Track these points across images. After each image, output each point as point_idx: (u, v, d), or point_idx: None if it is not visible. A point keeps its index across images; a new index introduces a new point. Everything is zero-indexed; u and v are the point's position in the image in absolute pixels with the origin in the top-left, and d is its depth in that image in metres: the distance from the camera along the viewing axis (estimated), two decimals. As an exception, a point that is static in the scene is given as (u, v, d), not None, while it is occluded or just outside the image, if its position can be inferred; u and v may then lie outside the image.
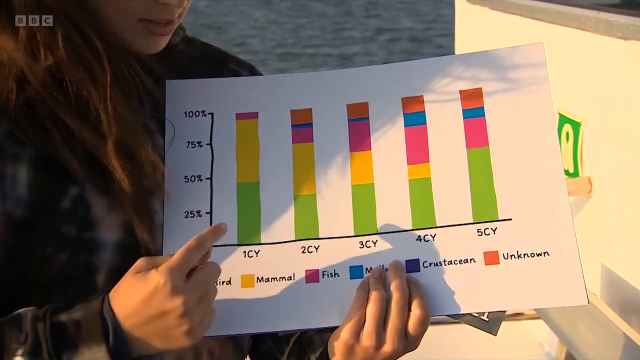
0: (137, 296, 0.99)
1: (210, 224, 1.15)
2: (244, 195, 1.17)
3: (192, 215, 1.15)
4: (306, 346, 1.20)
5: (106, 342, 0.99)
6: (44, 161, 1.06)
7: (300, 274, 1.14)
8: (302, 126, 1.20)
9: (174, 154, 1.17)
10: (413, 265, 1.13)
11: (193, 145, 1.19)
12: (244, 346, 1.24)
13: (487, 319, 1.12)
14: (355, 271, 1.13)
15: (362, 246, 1.15)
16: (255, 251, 1.15)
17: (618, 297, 2.23)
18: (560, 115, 2.46)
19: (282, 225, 1.16)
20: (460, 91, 1.20)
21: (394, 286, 1.09)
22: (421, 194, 1.16)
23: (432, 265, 1.13)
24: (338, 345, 1.10)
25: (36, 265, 1.06)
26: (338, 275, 1.13)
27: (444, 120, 1.19)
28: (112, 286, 1.05)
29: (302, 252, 1.14)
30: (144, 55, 1.13)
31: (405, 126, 1.19)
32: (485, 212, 1.14)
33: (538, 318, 2.69)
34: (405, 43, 15.14)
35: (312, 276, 1.14)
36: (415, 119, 1.19)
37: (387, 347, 1.08)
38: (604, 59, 2.30)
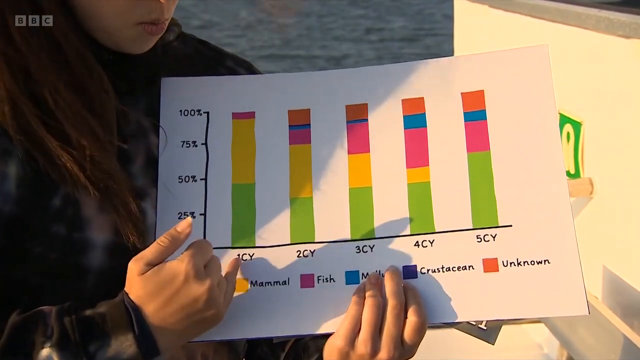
0: (164, 290, 1.01)
1: (205, 225, 1.15)
2: (239, 196, 1.16)
3: (186, 216, 1.15)
4: (301, 352, 1.20)
5: (132, 331, 1.01)
6: (34, 159, 1.06)
7: (295, 279, 1.13)
8: (300, 127, 1.20)
9: (168, 153, 1.17)
10: (410, 272, 1.12)
11: (188, 145, 1.19)
12: (240, 351, 1.23)
13: (485, 328, 1.11)
14: (351, 276, 1.13)
15: (358, 251, 1.14)
16: (249, 254, 1.14)
17: (619, 300, 2.23)
18: (561, 115, 2.46)
19: (278, 229, 1.15)
20: (462, 93, 1.19)
21: (389, 293, 1.09)
22: (420, 199, 1.15)
23: (430, 271, 1.12)
24: (333, 352, 1.09)
25: (24, 265, 1.05)
26: (334, 281, 1.13)
27: (445, 123, 1.18)
28: (102, 288, 1.06)
29: (298, 256, 1.14)
30: (137, 55, 1.13)
31: (405, 128, 1.18)
32: (485, 218, 1.14)
33: (539, 321, 2.69)
34: (396, 43, 15.13)
35: (307, 281, 1.13)
36: (415, 122, 1.18)
37: (383, 355, 1.07)
38: (605, 58, 2.29)
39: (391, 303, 1.08)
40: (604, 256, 2.29)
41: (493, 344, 1.11)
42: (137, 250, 1.08)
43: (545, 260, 1.11)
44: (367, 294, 1.09)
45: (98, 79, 1.09)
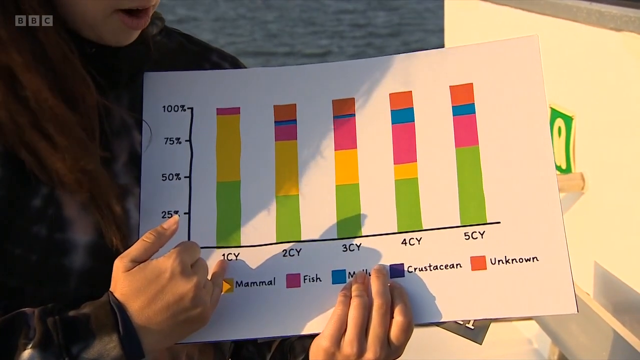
0: (150, 286, 1.01)
1: (189, 225, 1.14)
2: (224, 195, 1.16)
3: (170, 215, 1.14)
4: (287, 353, 1.20)
5: (117, 332, 1.00)
6: (14, 158, 1.05)
7: (281, 279, 1.13)
8: (286, 123, 1.19)
9: (151, 150, 1.16)
10: (397, 270, 1.12)
11: (171, 142, 1.18)
12: (226, 351, 1.23)
13: (472, 327, 1.11)
14: (338, 276, 1.12)
15: (345, 250, 1.13)
16: (234, 254, 1.13)
17: (611, 297, 2.23)
18: (552, 109, 2.46)
19: (263, 227, 1.14)
20: (450, 87, 1.18)
21: (375, 292, 1.09)
22: (407, 196, 1.15)
23: (417, 270, 1.12)
24: (319, 353, 1.09)
25: (4, 267, 1.05)
26: (320, 280, 1.12)
27: (433, 118, 1.17)
28: (84, 291, 1.06)
29: (284, 256, 1.13)
30: (120, 49, 1.12)
31: (392, 123, 1.18)
32: (473, 215, 1.13)
33: (530, 319, 2.69)
34: (379, 38, 15.11)
35: (293, 281, 1.12)
36: (403, 116, 1.18)
37: (369, 355, 1.07)
38: (597, 51, 2.29)
39: (377, 303, 1.08)
40: (595, 252, 2.30)
41: (480, 344, 1.11)
42: (119, 252, 1.07)
43: (533, 258, 1.11)
44: (353, 293, 1.09)
45: (80, 76, 1.08)
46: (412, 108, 1.18)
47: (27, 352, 0.99)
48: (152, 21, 1.16)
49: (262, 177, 1.17)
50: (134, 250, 1.04)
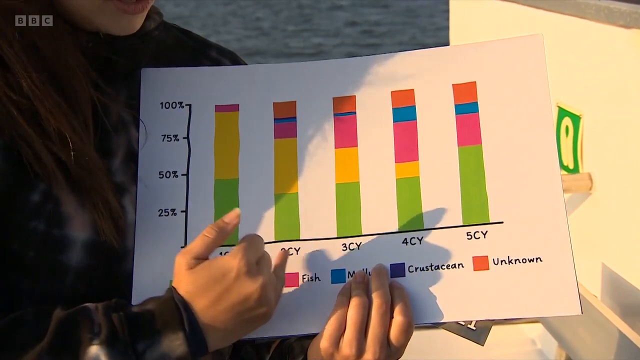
0: (215, 286, 1.02)
1: (186, 223, 1.14)
2: (221, 193, 1.16)
3: (167, 213, 1.14)
4: (286, 354, 1.20)
5: (183, 329, 1.00)
6: (13, 152, 1.05)
7: None
8: (285, 120, 1.19)
9: (148, 147, 1.16)
10: (398, 270, 1.12)
11: (169, 139, 1.18)
12: (224, 352, 1.22)
13: (474, 328, 1.11)
14: (337, 275, 1.12)
15: (345, 249, 1.13)
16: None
17: (619, 299, 2.22)
18: (560, 108, 2.45)
19: (262, 226, 1.14)
20: (453, 85, 1.18)
21: (375, 292, 1.08)
22: (409, 194, 1.15)
23: (418, 270, 1.11)
24: (317, 354, 1.09)
25: (1, 262, 1.04)
26: (319, 280, 1.12)
27: (435, 116, 1.17)
28: (81, 288, 1.06)
29: (284, 251, 1.12)
30: (117, 43, 1.12)
31: (394, 122, 1.18)
32: (475, 215, 1.13)
33: (536, 321, 2.69)
34: (375, 37, 15.09)
35: (292, 280, 1.12)
36: (405, 114, 1.18)
37: (368, 356, 1.07)
38: (605, 49, 2.29)
39: (376, 302, 1.08)
40: (603, 254, 2.29)
41: (482, 345, 1.11)
42: (115, 250, 1.07)
43: (537, 258, 1.10)
44: (352, 293, 1.09)
45: (74, 70, 1.08)
46: (414, 106, 1.18)
47: (94, 348, 0.99)
48: (150, 16, 1.16)
49: (261, 175, 1.17)
50: (196, 246, 1.04)
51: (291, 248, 1.14)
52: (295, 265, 1.13)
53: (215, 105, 1.20)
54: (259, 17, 17.35)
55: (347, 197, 1.15)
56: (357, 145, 1.17)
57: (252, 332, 1.08)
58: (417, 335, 1.11)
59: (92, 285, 1.07)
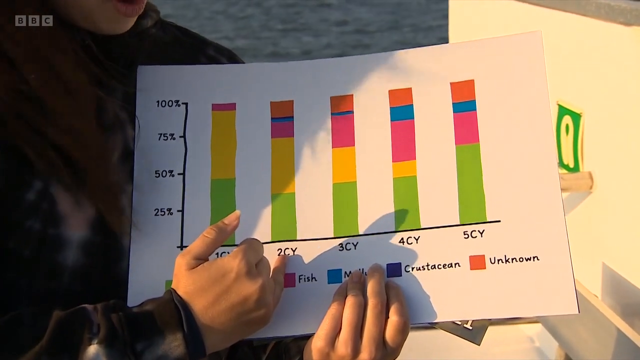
0: (215, 286, 1.02)
1: (182, 222, 1.14)
2: (218, 192, 1.16)
3: (163, 213, 1.14)
4: (282, 354, 1.20)
5: (182, 330, 1.01)
6: (9, 151, 1.05)
7: None
8: (283, 119, 1.19)
9: (144, 146, 1.16)
10: (394, 270, 1.12)
11: (165, 138, 1.18)
12: (221, 353, 1.22)
13: (470, 328, 1.11)
14: (334, 275, 1.12)
15: (341, 249, 1.13)
16: (229, 253, 1.13)
17: (620, 299, 2.22)
18: (560, 106, 2.45)
19: (258, 226, 1.15)
20: (451, 83, 1.18)
21: (370, 291, 1.09)
22: (406, 194, 1.15)
23: (415, 269, 1.12)
24: (313, 353, 1.09)
25: None
26: (315, 280, 1.12)
27: (433, 115, 1.17)
28: (77, 287, 1.06)
29: (279, 255, 1.13)
30: (114, 41, 1.12)
31: (391, 121, 1.18)
32: (472, 214, 1.13)
33: (536, 321, 2.69)
34: (367, 35, 15.03)
35: (288, 280, 1.12)
36: (402, 113, 1.18)
37: (364, 356, 1.07)
38: (606, 46, 2.29)
39: (371, 302, 1.08)
40: (603, 253, 2.29)
41: (479, 345, 1.11)
42: (111, 249, 1.07)
43: (534, 257, 1.11)
44: (348, 293, 1.09)
45: (74, 68, 1.08)
46: (412, 105, 1.18)
47: (92, 348, 0.99)
48: (147, 13, 1.16)
49: (258, 174, 1.17)
50: (196, 247, 1.05)
51: (288, 248, 1.14)
52: (291, 266, 1.13)
53: (212, 104, 1.20)
54: (248, 14, 17.28)
55: (344, 197, 1.15)
56: (354, 145, 1.17)
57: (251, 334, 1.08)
58: (415, 335, 1.11)
59: (89, 285, 1.07)
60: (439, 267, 1.11)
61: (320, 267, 1.13)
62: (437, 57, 1.20)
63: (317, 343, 1.08)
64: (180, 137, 1.18)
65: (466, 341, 1.13)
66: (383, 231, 1.14)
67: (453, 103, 1.18)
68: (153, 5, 1.19)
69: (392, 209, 1.14)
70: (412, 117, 1.18)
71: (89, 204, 1.08)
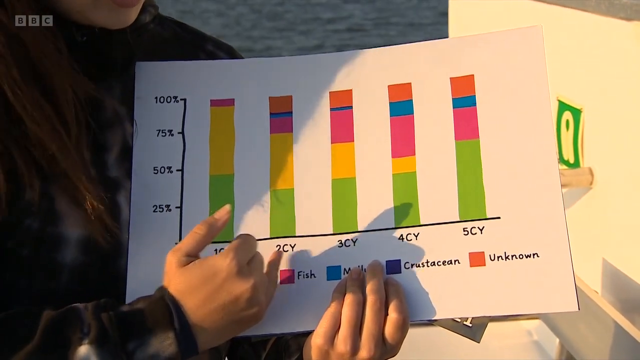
0: (206, 285, 1.02)
1: (181, 219, 1.14)
2: (217, 188, 1.16)
3: (161, 209, 1.14)
4: (282, 351, 1.20)
5: (173, 329, 1.00)
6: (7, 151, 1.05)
7: None
8: (281, 115, 1.19)
9: (142, 142, 1.16)
10: (394, 266, 1.12)
11: (163, 134, 1.18)
12: (222, 349, 1.23)
13: (470, 325, 1.11)
14: (333, 272, 1.12)
15: (341, 245, 1.13)
16: None
17: (620, 295, 2.22)
18: (560, 101, 2.45)
19: (257, 222, 1.14)
20: (451, 78, 1.18)
21: (369, 288, 1.08)
22: (405, 190, 1.14)
23: (414, 266, 1.11)
24: (312, 351, 1.09)
25: None
26: (314, 276, 1.12)
27: (433, 110, 1.17)
28: (76, 286, 1.06)
29: (277, 251, 1.13)
30: (112, 36, 1.12)
31: (391, 116, 1.18)
32: (472, 210, 1.13)
33: (536, 317, 2.69)
34: (358, 33, 15.01)
35: (287, 277, 1.12)
36: (401, 109, 1.18)
37: (363, 353, 1.07)
38: (606, 42, 2.29)
39: (370, 299, 1.08)
40: (604, 249, 2.29)
41: (478, 342, 1.11)
42: (111, 247, 1.07)
43: (534, 254, 1.10)
44: (347, 290, 1.09)
45: (58, 68, 1.07)
46: (412, 100, 1.18)
47: (83, 348, 0.99)
48: (145, 9, 1.16)
49: (257, 170, 1.16)
50: (186, 243, 1.04)
51: (287, 245, 1.14)
52: (290, 262, 1.13)
53: (211, 100, 1.20)
54: (240, 12, 17.21)
55: (343, 193, 1.15)
56: (353, 140, 1.17)
57: (247, 331, 1.08)
58: (414, 332, 1.11)
59: (87, 283, 1.07)
60: (439, 264, 1.11)
61: (319, 264, 1.12)
62: (437, 51, 1.19)
63: (316, 340, 1.08)
64: (179, 133, 1.18)
65: (464, 338, 1.13)
66: (382, 228, 1.13)
67: (453, 98, 1.17)
68: (152, 0, 1.19)
69: (391, 205, 1.14)
70: (412, 113, 1.17)
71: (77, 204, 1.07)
